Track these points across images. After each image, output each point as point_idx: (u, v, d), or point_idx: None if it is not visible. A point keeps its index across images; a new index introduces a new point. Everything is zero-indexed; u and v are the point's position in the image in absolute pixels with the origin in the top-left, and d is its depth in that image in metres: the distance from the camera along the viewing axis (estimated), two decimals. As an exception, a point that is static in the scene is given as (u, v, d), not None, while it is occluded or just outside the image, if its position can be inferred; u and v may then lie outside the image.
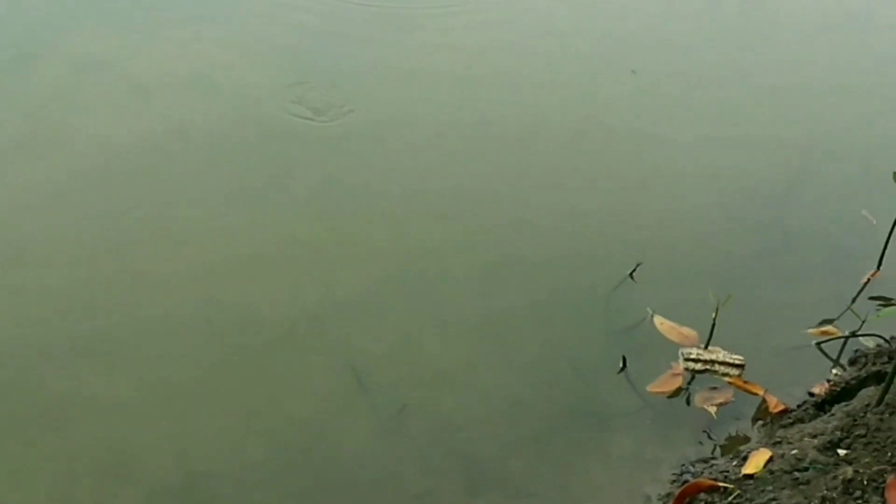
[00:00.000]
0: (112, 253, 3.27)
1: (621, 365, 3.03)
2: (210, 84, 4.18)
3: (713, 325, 3.03)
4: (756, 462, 2.57)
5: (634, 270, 3.36)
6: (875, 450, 2.47)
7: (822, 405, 2.87)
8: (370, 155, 3.84)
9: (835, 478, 2.37)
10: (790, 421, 2.84)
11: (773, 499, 2.38)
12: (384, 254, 3.38)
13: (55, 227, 3.37)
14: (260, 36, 4.54)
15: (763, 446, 2.68)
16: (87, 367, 2.89)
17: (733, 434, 2.87)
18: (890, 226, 3.40)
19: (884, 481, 2.32)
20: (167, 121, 3.91)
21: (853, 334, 3.18)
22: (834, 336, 3.19)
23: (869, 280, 3.42)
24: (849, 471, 2.37)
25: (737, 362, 3.03)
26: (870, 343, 3.16)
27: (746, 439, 2.84)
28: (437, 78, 4.34)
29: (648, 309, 3.21)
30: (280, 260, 3.31)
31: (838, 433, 2.57)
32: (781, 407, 2.91)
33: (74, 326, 3.01)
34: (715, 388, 3.00)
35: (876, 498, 2.28)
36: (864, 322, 3.15)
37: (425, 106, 4.16)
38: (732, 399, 2.96)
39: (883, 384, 2.63)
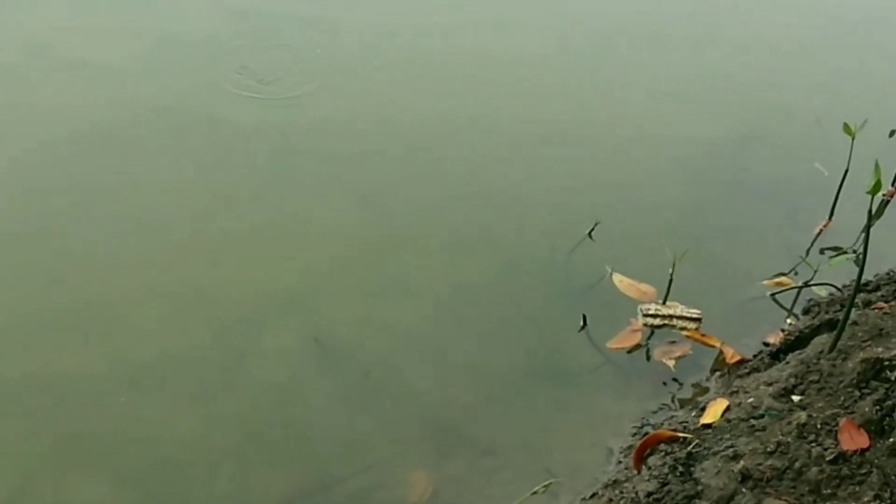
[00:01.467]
0: (76, 233, 3.25)
1: (582, 323, 3.06)
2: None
3: (670, 281, 3.07)
4: (714, 412, 2.62)
5: (593, 230, 3.39)
6: (828, 395, 2.52)
7: (778, 354, 2.92)
8: (328, 124, 3.82)
9: (789, 423, 2.42)
10: (746, 371, 2.89)
11: (731, 446, 2.42)
12: (345, 224, 3.38)
13: (13, 203, 3.33)
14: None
15: (720, 396, 2.73)
16: (50, 346, 2.87)
17: (692, 386, 2.92)
18: (841, 177, 3.46)
19: (836, 424, 2.37)
20: (128, 97, 3.87)
21: (806, 284, 3.25)
22: (788, 287, 3.25)
23: (821, 231, 3.49)
24: (802, 416, 2.42)
25: (694, 316, 3.07)
26: (822, 292, 3.23)
27: (705, 390, 2.90)
28: (394, 42, 4.30)
29: (607, 267, 3.25)
30: (242, 234, 3.29)
31: (792, 380, 2.62)
32: (738, 358, 2.96)
33: (37, 305, 2.98)
34: (673, 343, 3.05)
35: (829, 441, 2.33)
36: (816, 272, 3.22)
37: (385, 74, 4.13)
38: (690, 352, 3.01)
39: (835, 331, 2.68)
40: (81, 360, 2.82)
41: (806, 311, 3.17)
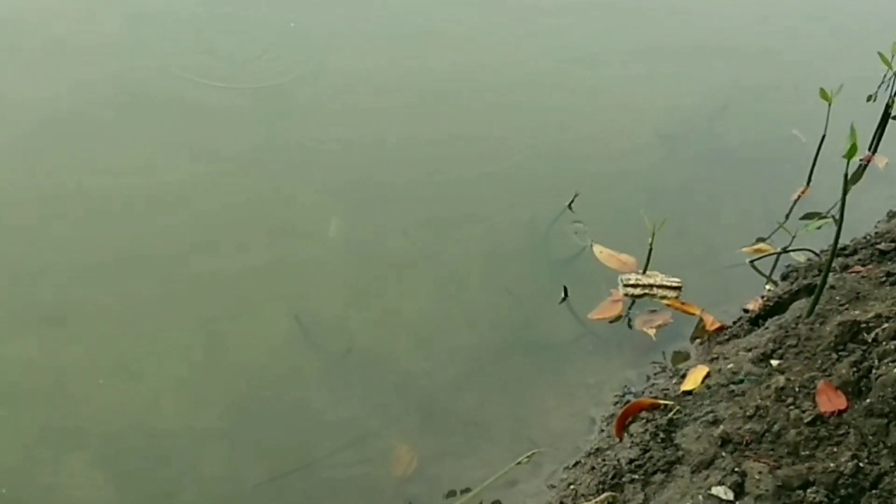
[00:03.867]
0: (52, 220, 3.21)
1: (563, 295, 3.08)
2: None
3: (650, 251, 3.09)
4: (694, 378, 2.64)
5: (573, 201, 3.39)
6: (806, 358, 2.55)
7: (757, 320, 2.95)
8: (306, 104, 3.79)
9: (768, 387, 2.45)
10: (726, 337, 2.92)
11: (711, 411, 2.46)
12: (322, 201, 3.36)
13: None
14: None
15: (700, 363, 2.76)
16: (27, 334, 2.84)
17: (673, 354, 2.96)
18: (818, 143, 3.48)
19: (815, 387, 2.40)
20: (93, 79, 3.82)
21: (785, 250, 3.28)
22: (767, 253, 3.28)
23: (799, 197, 3.53)
24: (781, 379, 2.45)
25: (674, 285, 3.10)
26: (801, 258, 3.27)
27: (685, 358, 2.93)
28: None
29: (587, 238, 3.26)
30: (220, 214, 3.27)
31: (771, 345, 2.65)
32: (718, 324, 2.99)
33: (20, 290, 2.96)
34: (654, 311, 3.07)
35: (807, 403, 2.37)
36: (794, 238, 3.25)
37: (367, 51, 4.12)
38: (671, 320, 3.04)
39: (813, 296, 2.71)
40: (59, 346, 2.80)
41: (784, 277, 3.21)
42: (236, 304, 2.96)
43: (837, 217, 2.48)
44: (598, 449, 2.55)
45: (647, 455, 2.39)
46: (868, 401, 2.32)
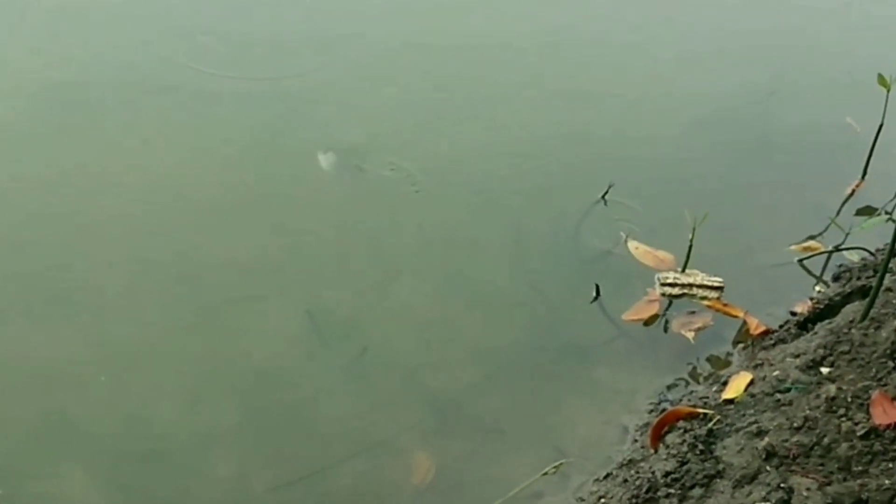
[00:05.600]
0: (55, 203, 3.25)
1: (594, 294, 3.07)
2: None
3: (690, 247, 3.07)
4: (736, 386, 2.63)
5: (606, 193, 3.38)
6: (859, 366, 2.53)
7: (805, 324, 2.93)
8: (314, 92, 3.81)
9: (818, 397, 2.43)
10: (772, 342, 2.89)
11: (755, 422, 2.43)
12: (337, 193, 3.38)
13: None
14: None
15: (744, 369, 2.74)
16: (25, 324, 2.87)
17: (713, 359, 2.94)
18: (874, 133, 3.44)
19: (868, 398, 2.38)
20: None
21: (837, 249, 3.24)
22: (817, 252, 3.25)
23: (853, 191, 3.49)
24: (832, 388, 2.43)
25: (715, 284, 3.08)
26: (854, 257, 3.23)
27: (727, 363, 2.91)
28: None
29: (622, 233, 3.25)
30: (227, 205, 3.29)
31: (821, 351, 2.62)
32: (763, 328, 2.97)
33: (8, 282, 2.99)
34: (693, 313, 3.06)
35: (860, 415, 2.34)
36: (847, 235, 3.23)
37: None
38: (711, 323, 3.02)
39: (867, 298, 2.67)
40: (59, 338, 2.82)
41: (836, 278, 3.18)
42: (245, 294, 2.98)
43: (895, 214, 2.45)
44: (631, 460, 2.53)
45: (685, 468, 2.37)
46: (927, 413, 2.29)
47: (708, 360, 2.93)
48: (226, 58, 3.92)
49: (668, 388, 2.82)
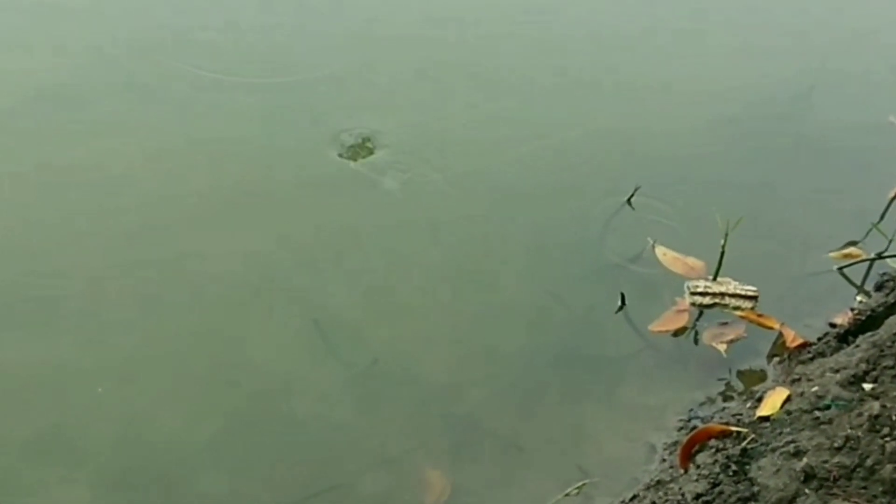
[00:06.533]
0: (48, 208, 3.26)
1: (619, 303, 3.06)
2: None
3: (722, 254, 3.05)
4: (772, 402, 2.60)
5: (633, 196, 3.37)
6: (905, 382, 2.52)
7: (846, 336, 2.90)
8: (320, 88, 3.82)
9: (860, 415, 2.40)
10: (810, 356, 2.87)
11: (792, 441, 2.41)
12: (348, 195, 3.38)
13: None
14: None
15: (780, 385, 2.71)
16: (18, 334, 2.87)
17: (746, 373, 2.92)
18: (920, 133, 3.41)
19: (915, 416, 2.36)
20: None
21: (880, 256, 3.22)
22: (858, 259, 3.23)
23: (897, 195, 3.45)
24: (875, 406, 2.40)
25: (749, 294, 3.05)
26: (898, 265, 3.20)
27: (761, 378, 2.89)
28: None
29: (649, 238, 3.23)
30: (229, 208, 3.29)
31: (863, 366, 2.59)
32: (800, 341, 2.94)
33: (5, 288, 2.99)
34: (725, 324, 3.04)
35: (906, 435, 2.32)
36: (891, 242, 3.21)
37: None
38: (745, 335, 3.00)
39: (913, 310, 2.67)
40: (53, 347, 2.82)
41: (879, 287, 3.15)
42: (246, 298, 2.99)
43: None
44: (658, 481, 2.50)
45: (717, 490, 2.35)
46: (979, 433, 2.26)
47: (741, 374, 2.91)
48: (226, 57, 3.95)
49: (699, 404, 2.81)
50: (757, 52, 4.09)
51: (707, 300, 3.05)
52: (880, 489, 2.22)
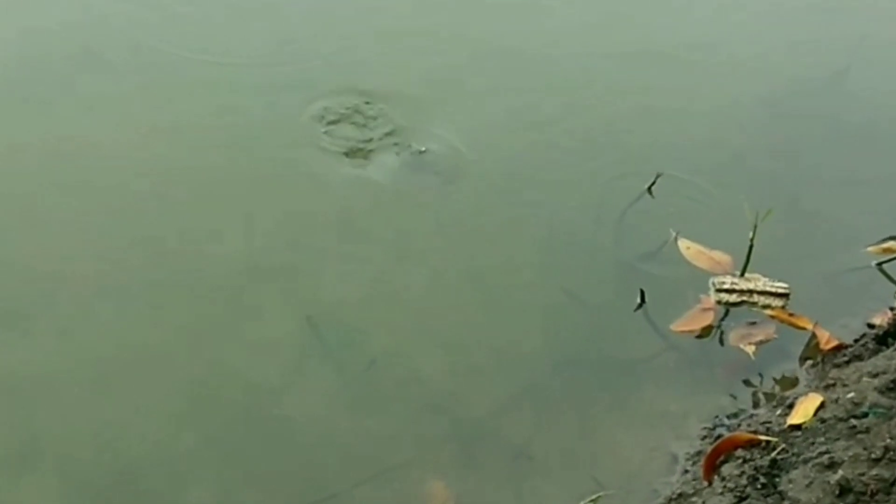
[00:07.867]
0: (22, 198, 3.28)
1: (639, 300, 3.05)
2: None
3: (750, 247, 3.04)
4: (804, 409, 2.59)
5: (654, 183, 3.37)
6: (949, 388, 2.52)
7: (885, 338, 2.89)
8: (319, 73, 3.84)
9: (901, 424, 2.42)
10: (846, 359, 2.86)
11: (826, 452, 2.39)
12: (342, 180, 3.39)
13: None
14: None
15: (813, 390, 2.71)
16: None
17: (776, 378, 2.91)
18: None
19: (960, 425, 2.36)
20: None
21: (923, 251, 3.21)
22: (898, 254, 3.23)
23: (940, 184, 3.47)
24: (917, 414, 2.41)
25: (780, 291, 3.05)
26: (943, 261, 3.20)
27: (793, 383, 2.88)
28: None
29: (671, 230, 3.22)
30: (220, 203, 3.30)
31: (904, 370, 2.61)
32: (835, 342, 2.93)
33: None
34: (753, 324, 3.03)
35: (951, 446, 2.32)
36: (935, 235, 3.19)
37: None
38: (775, 336, 3.00)
39: (959, 309, 2.66)
40: (29, 350, 2.83)
41: (922, 285, 3.16)
42: (235, 297, 2.99)
43: None
44: (680, 494, 2.51)
45: (744, 504, 2.34)
46: None
47: (771, 378, 2.91)
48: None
49: (725, 411, 2.80)
50: (785, 28, 4.12)
51: (734, 298, 3.05)
52: (922, 505, 2.22)
